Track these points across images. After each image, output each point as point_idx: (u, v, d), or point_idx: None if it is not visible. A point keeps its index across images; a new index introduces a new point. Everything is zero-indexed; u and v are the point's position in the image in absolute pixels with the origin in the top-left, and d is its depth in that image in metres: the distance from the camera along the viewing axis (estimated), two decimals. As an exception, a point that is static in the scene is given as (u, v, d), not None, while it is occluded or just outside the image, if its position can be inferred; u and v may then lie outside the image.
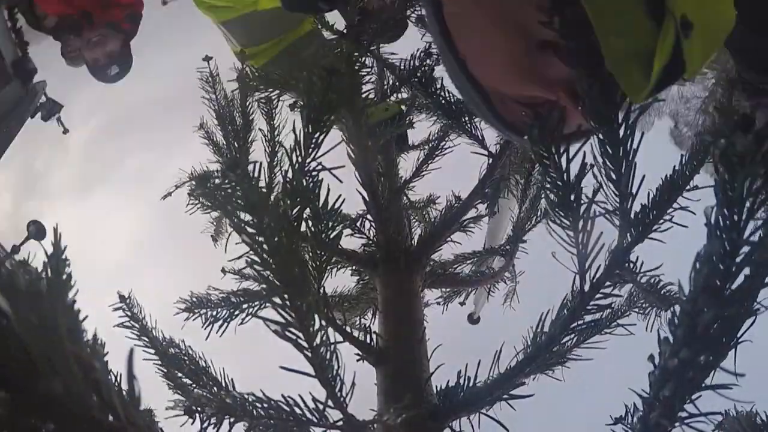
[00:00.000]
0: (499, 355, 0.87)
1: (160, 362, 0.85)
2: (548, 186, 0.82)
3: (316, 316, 0.76)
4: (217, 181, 0.67)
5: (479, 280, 1.51)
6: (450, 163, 1.54)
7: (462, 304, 1.85)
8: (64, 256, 0.48)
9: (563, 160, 0.82)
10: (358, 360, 1.02)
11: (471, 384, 0.80)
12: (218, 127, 1.30)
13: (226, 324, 1.14)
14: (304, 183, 0.81)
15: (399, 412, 0.74)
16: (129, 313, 0.91)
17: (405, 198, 1.57)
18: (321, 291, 0.99)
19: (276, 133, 1.28)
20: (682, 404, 0.52)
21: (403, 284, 1.24)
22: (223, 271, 1.39)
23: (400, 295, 1.20)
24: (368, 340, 1.01)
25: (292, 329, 0.72)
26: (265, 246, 0.61)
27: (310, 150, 0.92)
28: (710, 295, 0.56)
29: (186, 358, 0.85)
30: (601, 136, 0.63)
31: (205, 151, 1.40)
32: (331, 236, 0.92)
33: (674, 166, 1.02)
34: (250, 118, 1.27)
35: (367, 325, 1.29)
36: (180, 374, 0.84)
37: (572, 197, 0.81)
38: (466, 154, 1.48)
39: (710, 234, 0.61)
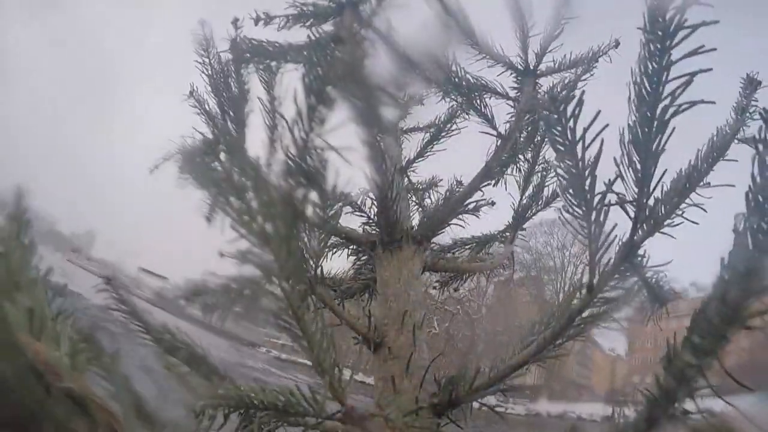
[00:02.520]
0: (503, 350, 0.85)
1: (155, 346, 0.81)
2: (562, 173, 0.78)
3: (311, 301, 0.72)
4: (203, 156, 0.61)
5: (479, 266, 1.49)
6: (455, 146, 1.49)
7: (455, 290, 1.82)
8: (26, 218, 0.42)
9: (579, 147, 0.78)
10: (355, 344, 0.99)
11: (474, 374, 0.78)
12: (211, 95, 1.21)
13: (226, 312, 1.10)
14: (309, 163, 0.75)
15: (398, 402, 0.71)
16: (116, 295, 0.86)
17: (407, 179, 1.52)
18: (319, 273, 0.95)
19: (277, 103, 1.21)
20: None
21: (403, 266, 1.21)
22: (221, 254, 1.34)
23: (399, 278, 1.17)
24: (367, 324, 0.98)
25: (285, 317, 0.68)
26: (258, 233, 0.57)
27: (313, 125, 0.86)
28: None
29: (182, 344, 0.81)
30: (637, 126, 0.59)
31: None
32: (330, 214, 0.88)
33: (690, 161, 0.98)
34: (246, 87, 1.19)
35: (364, 308, 1.26)
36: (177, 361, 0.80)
37: (587, 186, 0.77)
38: (471, 138, 1.42)
39: (737, 241, 0.57)
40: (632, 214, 0.66)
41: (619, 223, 0.70)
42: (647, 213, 0.64)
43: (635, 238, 0.67)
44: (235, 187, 0.61)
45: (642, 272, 0.98)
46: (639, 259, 0.80)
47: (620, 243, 0.68)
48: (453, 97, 1.34)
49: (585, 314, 0.72)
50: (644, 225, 0.65)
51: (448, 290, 1.65)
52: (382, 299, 1.14)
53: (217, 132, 1.29)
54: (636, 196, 0.64)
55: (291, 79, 1.29)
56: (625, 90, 0.70)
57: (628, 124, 0.61)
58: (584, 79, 1.28)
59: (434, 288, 1.62)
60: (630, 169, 0.62)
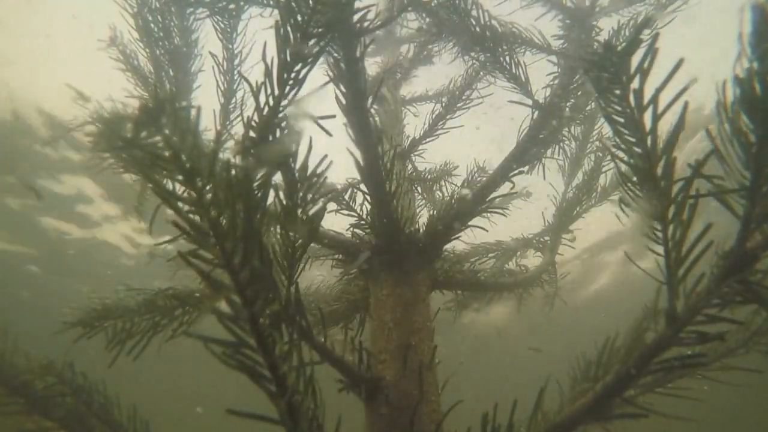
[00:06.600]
0: (542, 398, 0.80)
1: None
2: (621, 151, 0.72)
3: (283, 330, 0.67)
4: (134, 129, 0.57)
5: (508, 282, 1.43)
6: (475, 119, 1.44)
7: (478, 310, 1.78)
8: None
9: (648, 115, 0.72)
10: (340, 390, 0.93)
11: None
12: (141, 45, 1.14)
13: (144, 341, 1.05)
14: (276, 135, 0.70)
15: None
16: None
17: (410, 166, 1.47)
18: (293, 290, 0.90)
19: (237, 62, 1.16)
20: None
21: (405, 284, 1.16)
22: (151, 255, 1.28)
23: (400, 300, 1.12)
24: (357, 362, 0.93)
25: (247, 351, 0.63)
26: (209, 230, 0.51)
27: (288, 88, 0.81)
28: None
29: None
30: (752, 77, 0.53)
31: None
32: (310, 213, 0.83)
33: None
34: (193, 37, 1.12)
35: (353, 338, 1.20)
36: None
37: (660, 170, 0.71)
38: (497, 108, 1.38)
39: None
40: (740, 210, 0.60)
41: (716, 224, 0.64)
42: (765, 208, 0.57)
43: (747, 244, 0.59)
44: (182, 168, 0.56)
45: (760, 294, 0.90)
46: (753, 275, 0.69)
47: (719, 252, 0.62)
48: (472, 52, 1.29)
49: (666, 354, 0.66)
50: (761, 225, 0.58)
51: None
52: (376, 329, 1.08)
53: (154, 97, 1.23)
54: (746, 182, 0.58)
55: (258, 27, 1.24)
56: (721, 36, 0.63)
57: (735, 77, 0.55)
58: (656, 28, 1.23)
59: (449, 309, 1.57)
60: (735, 142, 0.56)
